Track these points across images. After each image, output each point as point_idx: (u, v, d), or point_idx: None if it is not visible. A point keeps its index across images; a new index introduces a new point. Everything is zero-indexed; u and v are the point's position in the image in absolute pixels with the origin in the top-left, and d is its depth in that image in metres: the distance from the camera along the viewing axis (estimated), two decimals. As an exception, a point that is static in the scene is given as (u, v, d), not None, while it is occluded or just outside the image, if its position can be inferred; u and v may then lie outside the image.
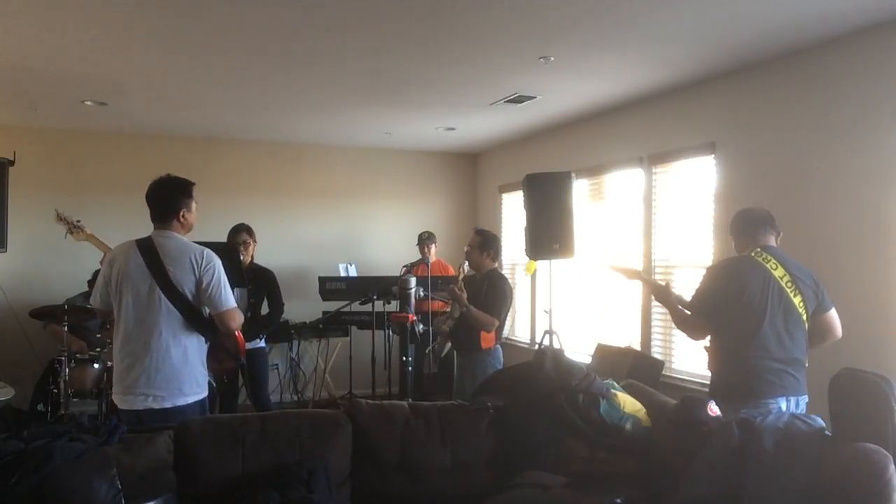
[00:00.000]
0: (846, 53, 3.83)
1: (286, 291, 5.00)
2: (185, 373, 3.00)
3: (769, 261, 3.13)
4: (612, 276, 4.19)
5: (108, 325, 5.16)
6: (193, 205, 3.15)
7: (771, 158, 4.29)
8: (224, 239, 4.76)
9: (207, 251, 3.08)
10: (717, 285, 3.18)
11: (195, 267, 2.99)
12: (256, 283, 4.74)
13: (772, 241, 3.25)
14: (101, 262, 3.30)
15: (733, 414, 2.77)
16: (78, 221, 3.42)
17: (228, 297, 3.07)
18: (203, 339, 3.09)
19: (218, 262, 3.07)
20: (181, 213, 3.09)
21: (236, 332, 3.33)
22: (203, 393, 3.09)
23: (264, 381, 4.99)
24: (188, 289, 2.99)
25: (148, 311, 2.96)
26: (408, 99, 5.38)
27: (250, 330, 4.59)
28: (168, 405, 2.95)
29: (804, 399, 3.13)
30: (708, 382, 4.47)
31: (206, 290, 3.00)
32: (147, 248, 3.01)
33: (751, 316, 3.07)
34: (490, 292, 4.38)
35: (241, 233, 4.83)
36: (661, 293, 3.53)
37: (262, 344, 4.95)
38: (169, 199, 3.08)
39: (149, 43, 4.06)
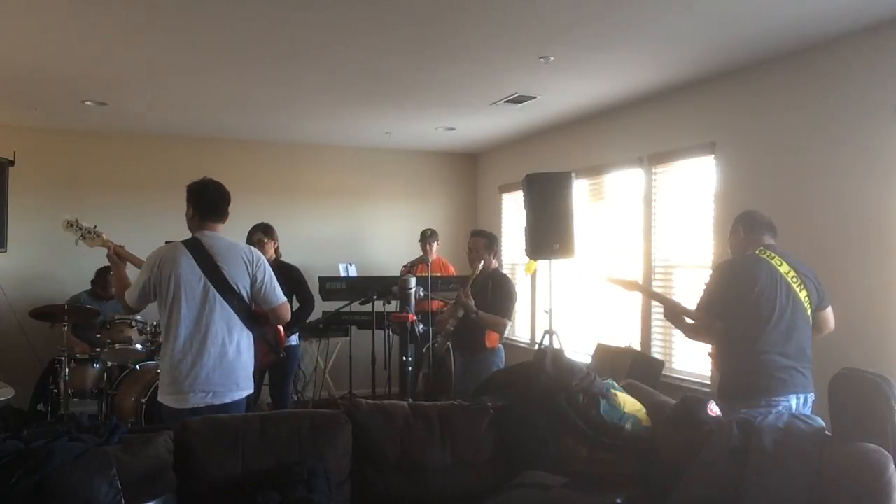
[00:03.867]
0: (846, 53, 3.83)
1: (287, 291, 5.01)
2: (240, 368, 3.10)
3: (773, 258, 3.20)
4: (610, 287, 4.19)
5: (108, 326, 5.20)
6: None
7: (771, 158, 4.29)
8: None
9: (255, 249, 3.22)
10: (728, 282, 3.21)
11: (248, 265, 3.11)
12: (283, 281, 4.75)
13: (772, 242, 3.30)
14: (108, 257, 3.34)
15: (742, 412, 2.79)
16: (94, 227, 3.42)
17: (280, 292, 3.21)
18: (251, 334, 3.18)
19: (265, 258, 3.21)
20: (227, 217, 3.22)
21: (279, 326, 3.42)
22: (252, 387, 3.20)
23: (289, 379, 5.09)
24: (243, 287, 3.10)
25: (203, 310, 3.03)
26: (408, 99, 5.38)
27: (284, 327, 4.60)
28: (227, 400, 3.05)
29: (811, 397, 3.16)
30: (708, 382, 4.55)
31: (260, 288, 3.13)
32: (196, 248, 3.07)
33: (761, 311, 3.12)
34: (496, 292, 4.38)
35: (255, 232, 4.87)
36: (669, 307, 3.55)
37: (294, 342, 4.98)
38: (226, 202, 3.20)
39: (149, 43, 4.06)
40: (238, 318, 3.09)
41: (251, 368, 3.19)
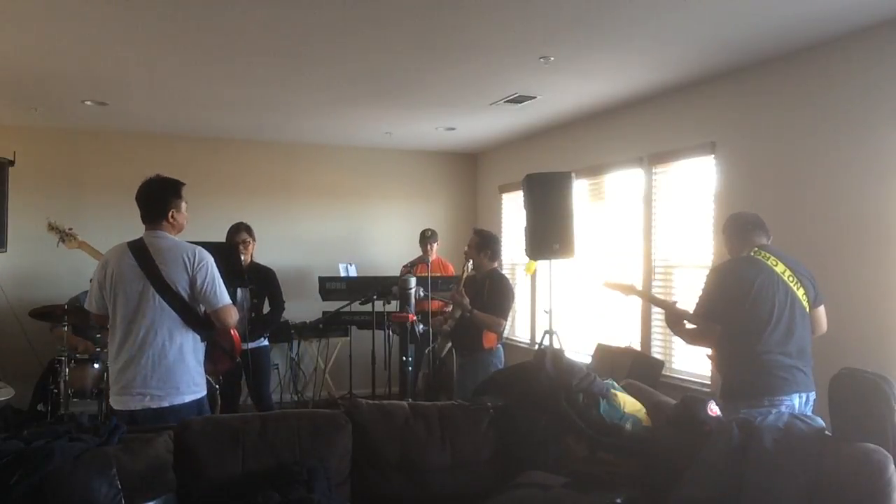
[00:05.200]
0: (846, 53, 3.83)
1: (286, 291, 5.00)
2: (181, 371, 3.00)
3: (769, 258, 3.20)
4: (608, 293, 4.19)
5: (107, 326, 5.19)
6: (183, 205, 3.15)
7: (771, 158, 4.29)
8: (224, 239, 4.76)
9: (199, 249, 3.08)
10: (725, 285, 3.21)
11: (188, 266, 3.00)
12: (258, 283, 4.73)
13: (765, 241, 3.30)
14: None
15: (743, 412, 2.80)
16: (70, 229, 3.40)
17: (223, 294, 3.08)
18: (198, 337, 3.09)
19: (210, 259, 3.07)
20: (170, 214, 3.09)
21: (232, 332, 3.34)
22: (200, 392, 3.09)
23: (266, 380, 4.99)
24: (182, 288, 3.00)
25: (142, 311, 2.96)
26: (408, 99, 5.38)
27: (254, 329, 4.58)
28: (165, 404, 2.95)
29: (813, 395, 3.16)
30: (708, 382, 4.55)
31: (200, 289, 3.01)
32: (139, 249, 3.02)
33: (760, 312, 3.11)
34: (492, 292, 4.38)
35: (240, 232, 4.81)
36: (670, 312, 3.54)
37: (266, 343, 4.96)
38: (158, 199, 3.09)
39: (149, 43, 4.06)
40: (181, 321, 2.99)
41: (197, 372, 3.08)
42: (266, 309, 4.92)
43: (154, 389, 2.94)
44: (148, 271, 2.97)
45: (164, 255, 3.00)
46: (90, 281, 3.03)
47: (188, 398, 3.01)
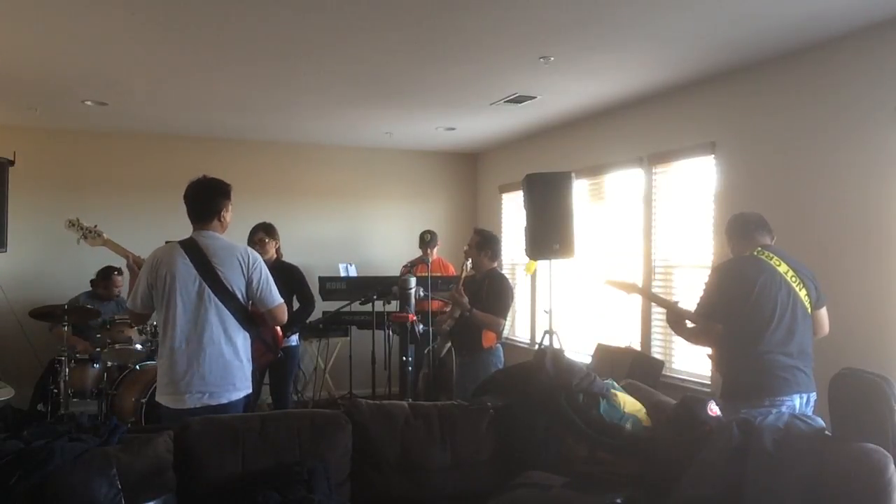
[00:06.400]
0: (846, 53, 3.83)
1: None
2: (237, 368, 3.08)
3: (772, 258, 3.19)
4: (609, 291, 4.18)
5: (108, 326, 5.20)
6: (230, 205, 3.21)
7: (771, 158, 4.29)
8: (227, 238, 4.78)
9: (250, 249, 3.19)
10: (727, 284, 3.21)
11: (243, 267, 3.08)
12: (283, 280, 4.77)
13: (769, 241, 3.30)
14: (128, 267, 3.33)
15: (743, 412, 2.79)
16: (95, 226, 3.42)
17: (276, 293, 3.18)
18: (248, 335, 3.17)
19: (261, 259, 3.17)
20: (221, 214, 3.15)
21: (276, 326, 3.42)
22: (249, 388, 3.17)
23: (290, 380, 5.06)
24: (238, 288, 3.07)
25: (199, 311, 3.01)
26: (408, 99, 5.38)
27: (282, 327, 4.60)
28: (224, 401, 3.03)
29: (814, 396, 3.16)
30: (708, 382, 4.55)
31: (256, 289, 3.10)
32: (192, 248, 3.06)
33: (762, 312, 3.11)
34: (491, 292, 4.37)
35: (257, 232, 4.87)
36: (671, 311, 3.53)
37: (294, 342, 4.98)
38: (209, 199, 3.14)
39: (149, 43, 4.06)
40: (234, 319, 3.07)
41: (249, 369, 3.17)
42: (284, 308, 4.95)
43: (213, 387, 3.01)
44: (205, 273, 3.02)
45: (220, 255, 3.06)
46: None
47: (242, 393, 3.11)
